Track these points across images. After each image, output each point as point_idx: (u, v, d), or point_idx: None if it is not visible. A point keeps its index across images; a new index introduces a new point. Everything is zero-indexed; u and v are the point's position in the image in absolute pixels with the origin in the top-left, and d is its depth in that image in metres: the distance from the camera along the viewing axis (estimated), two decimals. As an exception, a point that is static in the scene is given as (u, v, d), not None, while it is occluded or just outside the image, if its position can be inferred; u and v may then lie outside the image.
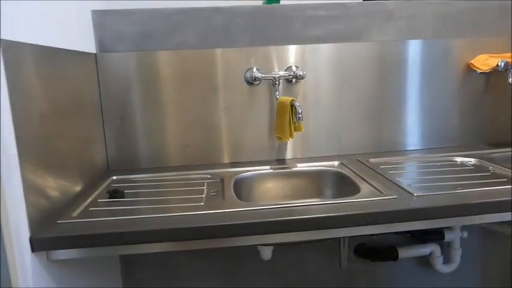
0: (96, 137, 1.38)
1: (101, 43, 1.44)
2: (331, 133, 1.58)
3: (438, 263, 1.67)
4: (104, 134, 1.46)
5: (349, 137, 1.59)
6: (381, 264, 1.72)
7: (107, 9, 1.44)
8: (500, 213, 1.07)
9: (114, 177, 1.37)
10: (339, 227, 1.00)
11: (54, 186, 1.02)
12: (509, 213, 1.06)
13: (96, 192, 1.20)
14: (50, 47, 1.05)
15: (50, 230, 0.92)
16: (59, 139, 1.07)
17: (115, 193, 1.15)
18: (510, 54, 1.57)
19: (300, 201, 1.11)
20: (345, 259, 1.68)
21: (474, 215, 1.04)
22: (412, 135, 1.63)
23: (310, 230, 1.00)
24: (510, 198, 1.04)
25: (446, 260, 1.69)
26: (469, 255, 1.75)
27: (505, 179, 1.19)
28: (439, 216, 1.03)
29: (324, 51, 1.52)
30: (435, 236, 1.63)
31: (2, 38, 0.81)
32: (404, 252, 1.63)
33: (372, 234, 1.62)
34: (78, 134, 1.21)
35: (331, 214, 0.99)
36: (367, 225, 1.01)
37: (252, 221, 0.96)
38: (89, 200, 1.13)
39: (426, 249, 1.65)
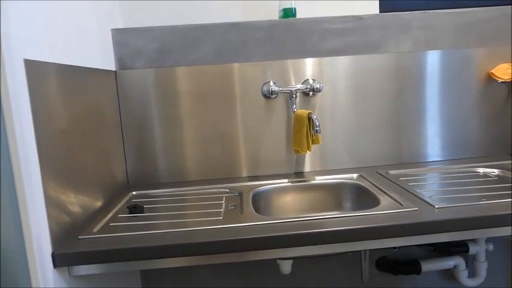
0: (116, 153, 1.40)
1: (120, 60, 1.47)
2: (349, 145, 1.56)
3: (463, 276, 1.63)
4: (124, 150, 1.49)
5: (368, 149, 1.57)
6: (404, 277, 1.69)
7: (126, 27, 1.48)
8: (526, 225, 1.04)
9: (134, 193, 1.39)
10: (359, 240, 0.99)
11: (75, 202, 1.04)
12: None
13: (117, 208, 1.22)
14: (71, 65, 1.08)
15: (71, 245, 0.93)
16: (80, 155, 1.09)
17: (135, 208, 1.16)
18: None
19: (319, 214, 1.10)
20: (367, 273, 1.66)
21: (497, 227, 1.02)
22: (433, 146, 1.60)
23: (329, 243, 0.99)
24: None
25: (472, 274, 1.64)
26: (495, 268, 1.70)
27: (531, 190, 1.16)
28: (462, 228, 1.00)
29: (341, 63, 1.52)
30: (459, 248, 1.59)
31: (25, 57, 0.84)
32: (428, 266, 1.60)
33: (394, 247, 1.60)
34: (99, 150, 1.23)
35: (351, 227, 0.98)
36: (388, 238, 0.99)
37: (271, 235, 0.96)
38: (110, 215, 1.15)
39: (450, 262, 1.61)
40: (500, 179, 1.31)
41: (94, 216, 1.14)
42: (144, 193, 1.39)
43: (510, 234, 1.05)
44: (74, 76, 1.08)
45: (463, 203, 1.08)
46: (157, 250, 0.93)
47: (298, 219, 1.04)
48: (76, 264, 0.92)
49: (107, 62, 1.39)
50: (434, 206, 1.06)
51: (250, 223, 1.03)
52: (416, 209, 1.05)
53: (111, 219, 1.11)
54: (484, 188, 1.22)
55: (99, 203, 1.20)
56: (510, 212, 1.01)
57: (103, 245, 0.93)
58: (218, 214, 1.12)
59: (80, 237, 0.98)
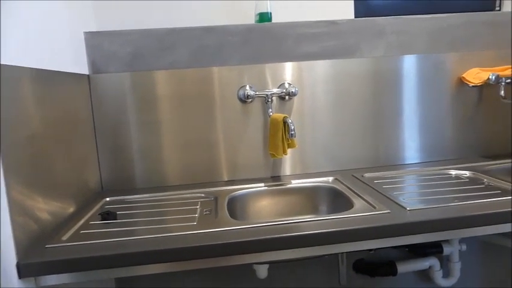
0: (89, 158, 1.38)
1: (93, 64, 1.45)
2: (327, 149, 1.57)
3: (438, 276, 1.65)
4: (98, 155, 1.46)
5: (346, 153, 1.59)
6: (381, 279, 1.70)
7: (99, 30, 1.45)
8: (495, 225, 1.06)
9: (108, 199, 1.36)
10: (332, 243, 0.99)
11: (44, 208, 1.01)
12: (505, 224, 1.06)
13: (88, 215, 1.19)
14: (42, 69, 1.06)
15: (38, 254, 0.91)
16: (50, 160, 1.06)
17: (107, 215, 1.14)
18: (501, 67, 1.58)
19: (294, 218, 1.10)
20: (344, 275, 1.66)
21: (467, 227, 1.04)
22: (409, 149, 1.62)
23: (302, 247, 0.98)
24: (505, 210, 1.04)
25: (446, 274, 1.67)
26: (469, 268, 1.73)
27: (499, 191, 1.18)
28: (433, 229, 1.02)
29: (319, 67, 1.53)
30: (434, 249, 1.61)
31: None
32: (403, 267, 1.61)
33: (370, 250, 1.61)
34: (70, 155, 1.21)
35: (322, 230, 0.98)
36: (360, 240, 1.00)
37: (244, 240, 0.95)
38: (81, 222, 1.12)
39: (425, 263, 1.63)
40: (471, 180, 1.34)
41: (64, 223, 1.11)
42: (118, 199, 1.37)
43: (482, 234, 1.08)
44: (43, 80, 1.06)
45: (435, 205, 1.10)
46: (127, 257, 0.91)
47: (272, 224, 1.03)
48: (43, 274, 0.90)
49: (79, 65, 1.37)
50: (406, 208, 1.07)
51: (224, 228, 1.02)
52: (389, 211, 1.07)
53: (82, 227, 1.09)
54: (456, 189, 1.24)
55: (70, 210, 1.18)
56: (482, 212, 1.03)
57: (71, 253, 0.91)
58: (192, 219, 1.11)
59: (47, 245, 0.95)
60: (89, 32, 1.43)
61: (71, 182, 1.20)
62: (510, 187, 1.21)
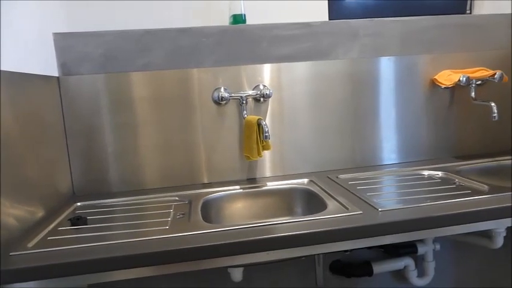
0: (59, 162, 1.34)
1: (63, 66, 1.41)
2: (304, 150, 1.58)
3: (413, 276, 1.67)
4: (69, 159, 1.43)
5: (323, 154, 1.59)
6: (357, 280, 1.71)
7: (71, 31, 1.42)
8: (466, 225, 1.08)
9: (79, 204, 1.33)
10: (303, 245, 0.99)
11: (10, 213, 0.98)
12: (476, 223, 1.09)
13: (58, 220, 1.16)
14: (7, 71, 1.03)
15: (2, 262, 0.88)
16: (18, 163, 1.03)
17: (77, 220, 1.12)
18: (471, 69, 1.61)
19: (266, 220, 1.09)
20: (321, 276, 1.67)
21: (438, 227, 1.05)
22: (384, 150, 1.64)
23: (273, 249, 0.98)
24: (476, 209, 1.06)
25: (421, 273, 1.68)
26: (443, 267, 1.75)
27: (470, 191, 1.20)
28: (404, 230, 1.03)
29: (295, 69, 1.53)
30: (408, 249, 1.63)
31: None
32: (379, 267, 1.63)
33: (346, 251, 1.62)
34: (39, 158, 1.17)
35: (293, 232, 0.98)
36: (331, 242, 1.00)
37: (215, 243, 0.94)
38: (49, 228, 1.09)
39: (400, 263, 1.64)
40: (443, 181, 1.35)
41: (32, 229, 1.08)
42: (90, 204, 1.34)
43: (453, 234, 1.10)
44: (10, 83, 1.03)
45: (407, 205, 1.11)
46: (96, 264, 0.89)
47: (245, 226, 1.03)
48: (7, 283, 0.86)
49: (48, 67, 1.33)
50: (378, 209, 1.08)
51: (197, 232, 1.01)
52: (361, 212, 1.07)
53: (50, 233, 1.06)
54: (428, 190, 1.26)
55: (38, 216, 1.14)
56: (452, 212, 1.05)
57: (36, 261, 0.88)
58: (165, 223, 1.09)
59: (12, 253, 0.92)
60: (59, 33, 1.40)
61: (40, 186, 1.17)
62: (480, 187, 1.24)
